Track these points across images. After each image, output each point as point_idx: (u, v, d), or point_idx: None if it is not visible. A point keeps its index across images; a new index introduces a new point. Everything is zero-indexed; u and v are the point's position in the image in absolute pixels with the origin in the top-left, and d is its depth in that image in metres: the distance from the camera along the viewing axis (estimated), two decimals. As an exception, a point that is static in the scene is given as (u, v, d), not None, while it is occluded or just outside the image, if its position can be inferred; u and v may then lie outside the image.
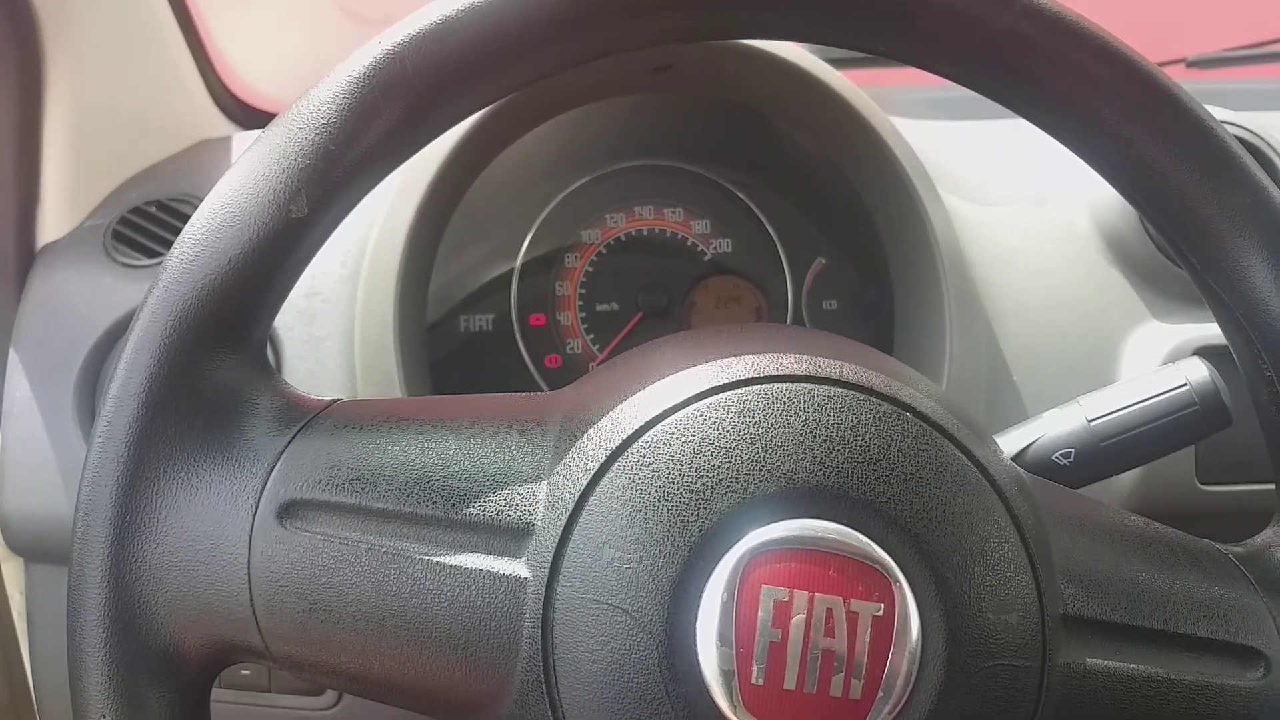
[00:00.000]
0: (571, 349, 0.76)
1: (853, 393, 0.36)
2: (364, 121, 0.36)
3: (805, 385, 0.36)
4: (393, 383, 0.63)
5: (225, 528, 0.35)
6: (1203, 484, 0.66)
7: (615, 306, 0.76)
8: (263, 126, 0.38)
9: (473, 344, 0.76)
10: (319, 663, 0.36)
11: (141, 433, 0.35)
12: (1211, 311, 0.42)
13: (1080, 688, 0.36)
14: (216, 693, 0.66)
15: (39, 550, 0.68)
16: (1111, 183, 0.41)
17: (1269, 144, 0.69)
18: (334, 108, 0.36)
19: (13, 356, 0.67)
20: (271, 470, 0.36)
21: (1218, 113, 0.70)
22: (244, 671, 0.66)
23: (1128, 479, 0.65)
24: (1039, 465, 0.48)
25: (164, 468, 0.35)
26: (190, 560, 0.35)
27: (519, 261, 0.76)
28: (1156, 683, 0.37)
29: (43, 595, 0.70)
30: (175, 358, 0.35)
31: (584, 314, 0.76)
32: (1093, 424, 0.48)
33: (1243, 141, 0.69)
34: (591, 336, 0.76)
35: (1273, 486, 0.43)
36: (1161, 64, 0.97)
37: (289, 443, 0.37)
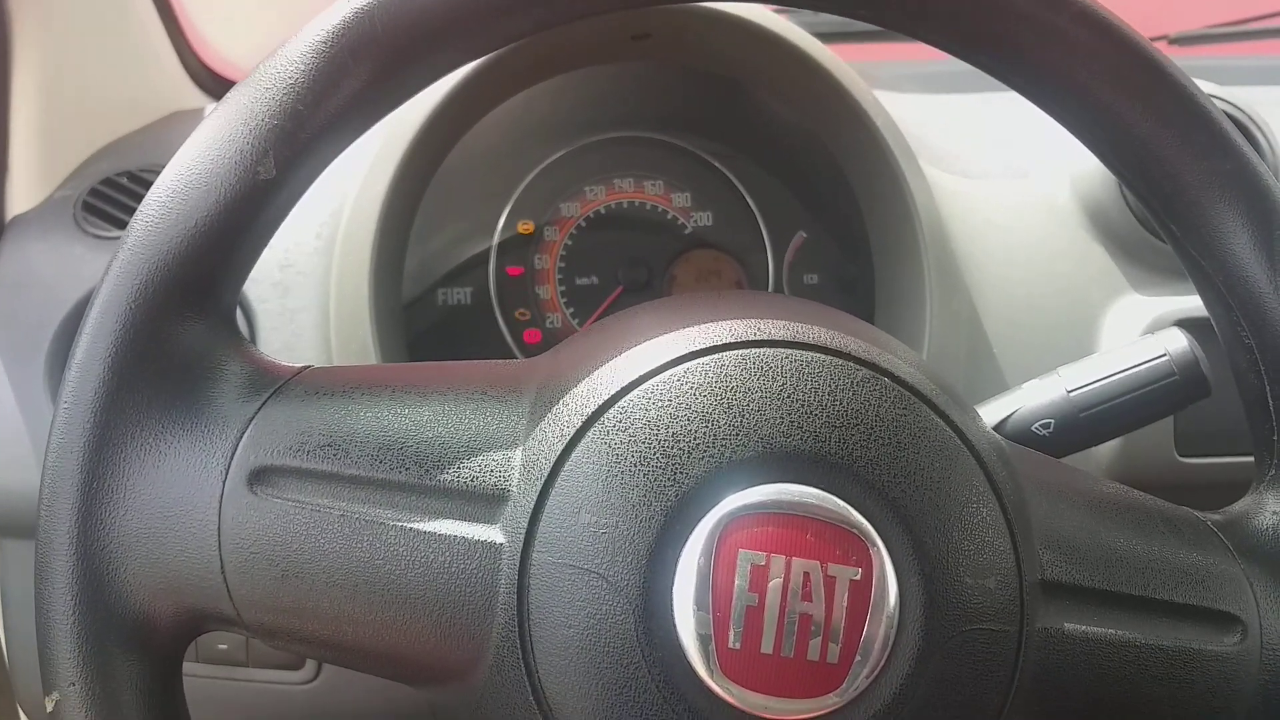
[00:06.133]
0: (551, 323, 0.75)
1: (831, 358, 0.35)
2: (333, 81, 0.36)
3: (783, 350, 0.35)
4: (369, 356, 0.62)
5: (195, 494, 0.35)
6: (1181, 456, 0.66)
7: (595, 280, 0.75)
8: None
9: (451, 318, 0.75)
10: (291, 630, 0.36)
11: (108, 398, 0.34)
12: (1191, 279, 0.42)
13: (1058, 652, 0.36)
14: (193, 667, 0.66)
15: (12, 525, 0.67)
16: (1092, 149, 0.41)
17: (1250, 118, 0.69)
18: (302, 67, 0.35)
19: (-18, 330, 0.65)
20: (241, 436, 0.35)
21: (1203, 87, 0.69)
22: (221, 646, 0.66)
23: (1107, 451, 0.65)
24: (1018, 436, 0.47)
25: (131, 433, 0.35)
26: (159, 527, 0.35)
27: (497, 235, 0.75)
28: (1134, 648, 0.37)
29: (16, 570, 0.70)
30: (141, 322, 0.35)
31: (564, 288, 0.75)
32: (1072, 395, 0.47)
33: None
34: (571, 310, 0.75)
35: (1250, 459, 0.43)
36: (1144, 40, 0.97)
37: (259, 408, 0.36)
